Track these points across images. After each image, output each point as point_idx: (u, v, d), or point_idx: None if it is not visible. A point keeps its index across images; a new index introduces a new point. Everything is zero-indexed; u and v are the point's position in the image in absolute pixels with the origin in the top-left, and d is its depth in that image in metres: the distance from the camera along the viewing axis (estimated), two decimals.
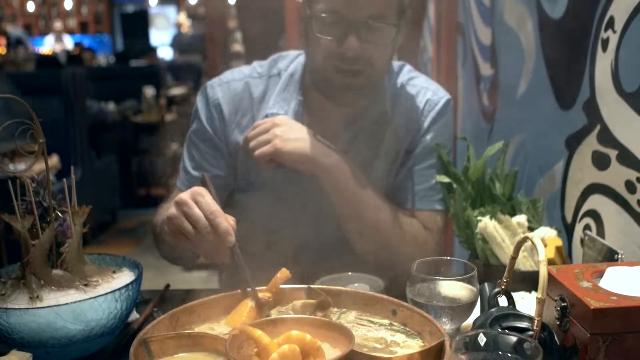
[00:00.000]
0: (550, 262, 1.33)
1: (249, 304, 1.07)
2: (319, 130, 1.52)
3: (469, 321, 1.11)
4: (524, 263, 1.37)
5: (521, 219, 1.43)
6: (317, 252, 1.57)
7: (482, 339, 0.86)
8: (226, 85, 1.62)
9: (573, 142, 1.50)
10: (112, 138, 6.30)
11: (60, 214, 1.17)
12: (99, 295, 1.07)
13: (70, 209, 1.14)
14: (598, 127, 1.37)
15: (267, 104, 1.60)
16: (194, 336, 0.98)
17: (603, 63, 1.34)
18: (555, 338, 0.95)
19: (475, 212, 1.45)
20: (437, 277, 1.11)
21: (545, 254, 0.91)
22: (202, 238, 1.17)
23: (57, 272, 1.12)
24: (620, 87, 1.27)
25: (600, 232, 1.37)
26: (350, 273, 1.39)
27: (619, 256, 1.23)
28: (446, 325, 1.07)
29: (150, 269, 1.46)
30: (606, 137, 1.33)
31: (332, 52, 1.43)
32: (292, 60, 1.65)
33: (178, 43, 11.06)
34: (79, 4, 12.77)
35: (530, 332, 0.91)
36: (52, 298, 1.08)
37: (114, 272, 1.20)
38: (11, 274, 1.16)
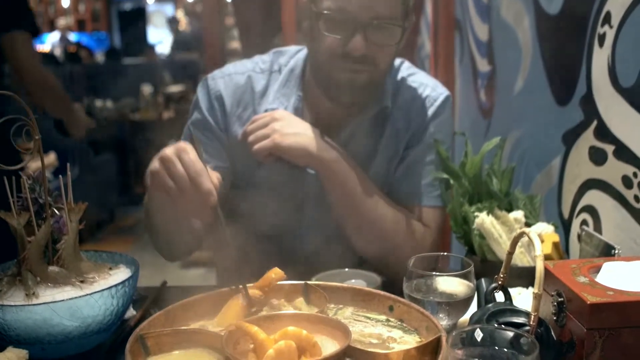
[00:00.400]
0: (547, 257, 1.33)
1: (239, 302, 1.07)
2: (318, 126, 1.52)
3: (466, 317, 1.11)
4: (521, 259, 1.37)
5: (518, 214, 1.43)
6: (315, 247, 1.57)
7: (478, 335, 0.86)
8: (228, 77, 1.61)
9: (570, 138, 1.50)
10: (109, 136, 6.30)
11: (56, 211, 1.17)
12: (95, 292, 1.06)
13: (66, 206, 1.14)
14: (595, 122, 1.37)
15: (267, 100, 1.59)
16: (191, 332, 0.98)
17: (600, 58, 1.34)
18: (552, 333, 0.95)
19: (472, 208, 1.45)
20: (434, 273, 1.11)
21: (541, 248, 0.91)
22: (184, 196, 1.17)
23: (53, 268, 1.11)
24: (617, 82, 1.27)
25: (597, 227, 1.37)
26: (347, 269, 1.39)
27: (616, 251, 1.23)
28: (443, 321, 1.07)
29: (147, 267, 1.45)
30: (603, 133, 1.33)
31: (337, 50, 1.43)
32: (292, 56, 1.64)
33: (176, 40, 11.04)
34: (76, 2, 12.73)
35: (527, 328, 0.90)
36: (48, 295, 1.07)
37: (110, 268, 1.19)
38: (7, 270, 1.16)
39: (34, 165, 1.17)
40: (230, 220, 1.18)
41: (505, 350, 0.84)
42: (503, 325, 0.93)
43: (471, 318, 1.03)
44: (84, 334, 1.07)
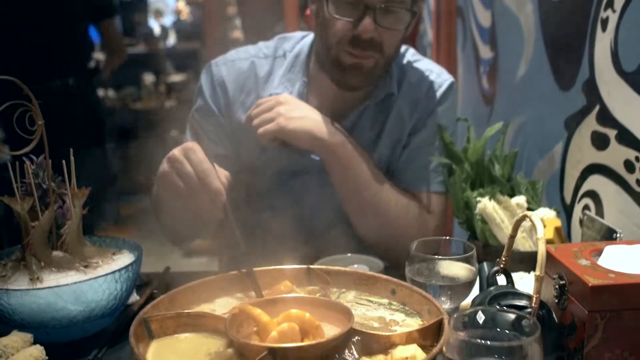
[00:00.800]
0: (549, 242, 1.33)
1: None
2: (323, 111, 1.52)
3: (468, 300, 1.11)
4: (523, 244, 1.37)
5: (520, 200, 1.43)
6: (318, 232, 1.58)
7: (480, 317, 0.86)
8: (231, 63, 1.61)
9: (572, 123, 1.49)
10: (111, 125, 6.28)
11: (60, 196, 1.17)
12: (99, 276, 1.07)
13: (69, 191, 1.14)
14: (597, 107, 1.36)
15: (271, 85, 1.59)
16: (194, 316, 0.99)
17: (602, 43, 1.33)
18: (554, 315, 0.95)
19: (474, 193, 1.45)
20: (436, 257, 1.12)
21: (544, 232, 0.91)
22: (194, 195, 1.17)
23: (57, 253, 1.12)
24: (620, 66, 1.26)
25: (599, 212, 1.37)
26: (349, 254, 1.40)
27: (618, 235, 1.23)
28: (445, 304, 1.08)
29: (150, 255, 1.46)
30: (605, 117, 1.33)
31: (346, 33, 1.43)
32: (297, 42, 1.64)
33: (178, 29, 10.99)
34: None
35: (529, 310, 0.91)
36: (53, 279, 1.08)
37: (113, 253, 1.20)
38: (11, 255, 1.16)
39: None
40: (237, 214, 1.18)
41: (507, 332, 0.84)
42: (505, 308, 0.93)
43: (473, 301, 1.04)
44: (88, 318, 1.08)
